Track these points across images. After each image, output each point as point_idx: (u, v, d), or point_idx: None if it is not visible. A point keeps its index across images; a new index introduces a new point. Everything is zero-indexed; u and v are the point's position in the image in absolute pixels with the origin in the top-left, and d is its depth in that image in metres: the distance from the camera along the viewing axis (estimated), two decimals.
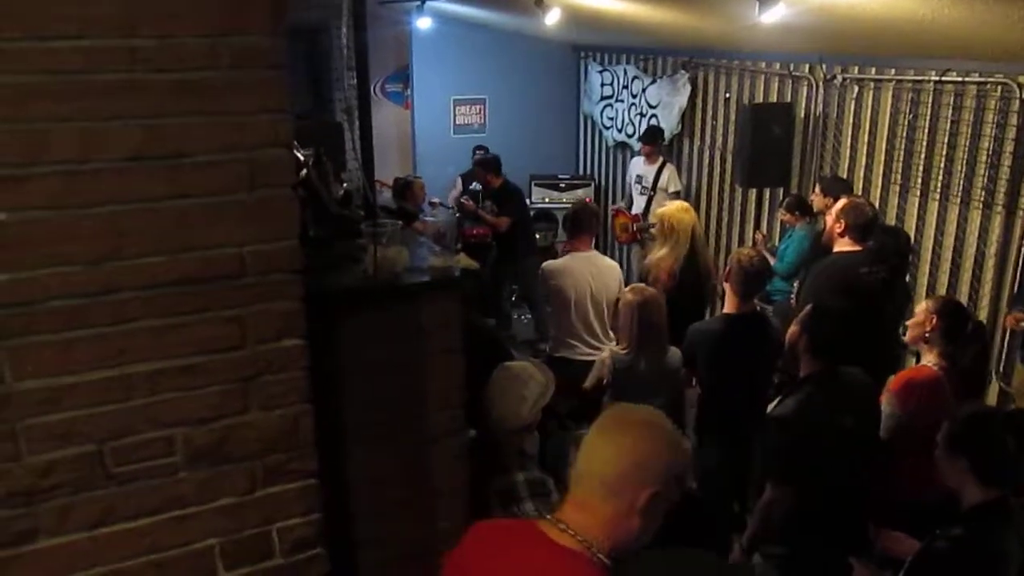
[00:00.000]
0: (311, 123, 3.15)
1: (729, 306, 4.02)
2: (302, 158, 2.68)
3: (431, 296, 2.19)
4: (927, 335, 3.39)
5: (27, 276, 1.53)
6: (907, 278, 4.96)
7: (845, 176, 6.02)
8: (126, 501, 1.68)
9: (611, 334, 4.79)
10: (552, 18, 5.91)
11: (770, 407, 3.29)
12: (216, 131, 1.62)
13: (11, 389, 1.56)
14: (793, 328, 3.27)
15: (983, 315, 5.05)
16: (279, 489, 1.84)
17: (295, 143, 2.83)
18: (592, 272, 4.79)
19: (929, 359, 3.41)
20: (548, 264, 4.91)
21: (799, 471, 3.04)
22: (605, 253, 8.97)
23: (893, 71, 5.68)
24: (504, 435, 2.71)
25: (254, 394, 1.77)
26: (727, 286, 4.03)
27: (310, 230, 2.38)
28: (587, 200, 9.00)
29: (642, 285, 4.04)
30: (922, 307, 3.51)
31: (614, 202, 9.15)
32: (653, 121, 8.09)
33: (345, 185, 2.71)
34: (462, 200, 7.59)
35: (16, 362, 1.56)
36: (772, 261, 5.29)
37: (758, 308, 4.15)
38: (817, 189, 5.57)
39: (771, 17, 3.98)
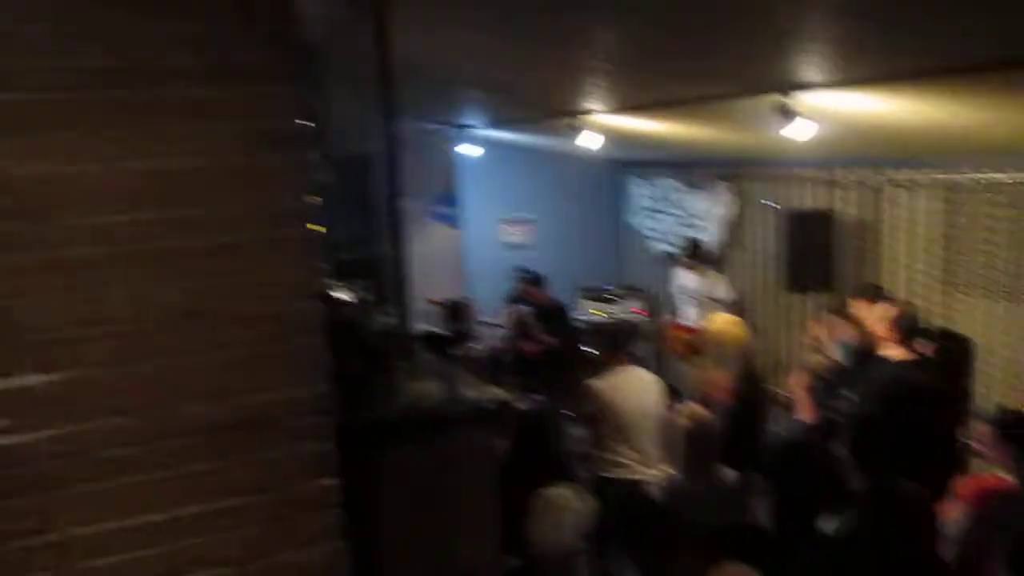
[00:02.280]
0: (359, 255, 3.31)
1: (804, 412, 4.11)
2: (345, 297, 2.84)
3: (466, 428, 2.27)
4: (992, 455, 3.32)
5: (83, 428, 1.66)
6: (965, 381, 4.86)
7: (888, 280, 6.01)
8: None
9: (658, 453, 4.70)
10: (586, 140, 6.15)
11: (820, 522, 3.24)
12: (254, 287, 1.77)
13: (66, 536, 1.67)
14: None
15: None
16: None
17: (339, 280, 3.00)
18: (638, 389, 4.73)
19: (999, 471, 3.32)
20: (593, 382, 4.84)
21: None
22: (660, 365, 9.03)
23: (928, 172, 5.73)
24: (545, 563, 2.72)
25: (292, 533, 1.85)
26: (799, 393, 4.12)
27: (351, 366, 2.51)
28: (638, 311, 9.08)
29: (697, 408, 4.02)
30: (979, 430, 3.44)
31: (663, 313, 9.19)
32: (697, 232, 8.21)
33: (387, 319, 2.84)
34: (521, 312, 7.68)
35: (69, 510, 1.67)
36: None
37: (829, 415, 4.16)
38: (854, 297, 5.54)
39: (794, 132, 4.11)
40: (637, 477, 4.55)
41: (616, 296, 9.22)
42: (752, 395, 4.96)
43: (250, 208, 1.74)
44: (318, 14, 2.90)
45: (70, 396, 1.64)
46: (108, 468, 1.68)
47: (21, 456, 1.61)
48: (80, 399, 1.65)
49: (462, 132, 8.35)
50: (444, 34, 3.57)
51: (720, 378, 4.94)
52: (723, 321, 5.25)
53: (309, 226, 1.84)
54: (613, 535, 3.88)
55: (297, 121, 1.81)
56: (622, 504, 4.04)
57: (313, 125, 3.36)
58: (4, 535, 1.62)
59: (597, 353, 4.95)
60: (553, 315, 7.45)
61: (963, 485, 3.42)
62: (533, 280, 7.67)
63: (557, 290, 7.87)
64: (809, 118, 4.02)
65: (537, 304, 7.60)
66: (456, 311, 6.91)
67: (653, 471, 4.64)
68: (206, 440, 1.76)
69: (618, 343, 4.95)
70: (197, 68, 1.66)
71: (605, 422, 4.68)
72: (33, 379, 1.61)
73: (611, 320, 5.58)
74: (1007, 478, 3.28)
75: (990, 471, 3.42)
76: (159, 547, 1.74)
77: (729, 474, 3.93)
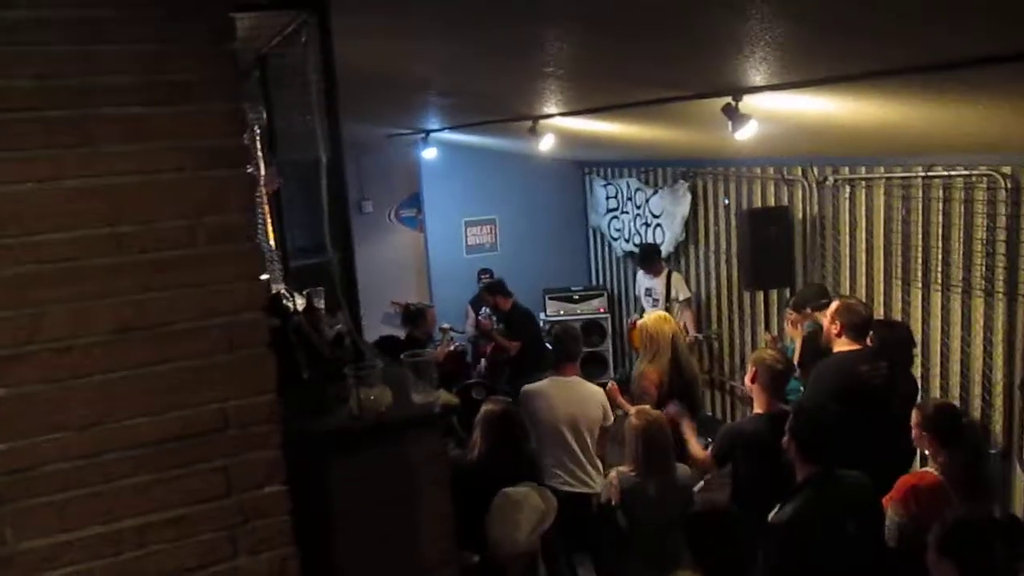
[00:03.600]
0: (313, 260, 3.32)
1: (761, 406, 4.16)
2: (296, 305, 2.85)
3: (414, 433, 2.30)
4: (925, 447, 3.43)
5: (25, 444, 1.68)
6: (912, 370, 4.98)
7: (847, 276, 6.13)
8: None
9: (597, 463, 4.75)
10: (547, 143, 6.20)
11: (771, 515, 3.31)
12: (197, 301, 1.79)
13: (14, 550, 1.68)
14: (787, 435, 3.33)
15: (998, 401, 5.06)
16: None
17: (289, 288, 3.02)
18: (571, 398, 4.71)
19: (932, 465, 3.43)
20: (526, 388, 4.82)
21: None
22: (624, 364, 9.12)
23: (881, 169, 5.87)
24: (503, 561, 2.76)
25: (241, 540, 1.87)
26: (755, 387, 4.19)
27: (303, 373, 2.53)
28: (602, 310, 9.17)
29: (647, 408, 4.07)
30: (913, 418, 3.55)
31: (626, 311, 9.30)
32: (658, 231, 8.31)
33: (339, 326, 2.86)
34: (480, 318, 7.75)
35: (17, 524, 1.69)
36: None
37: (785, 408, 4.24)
38: (791, 306, 5.62)
39: (745, 134, 4.18)
40: (569, 489, 4.56)
41: (580, 296, 9.31)
42: (683, 388, 5.03)
43: (190, 224, 1.76)
44: (265, 22, 2.92)
45: (12, 413, 1.65)
46: (51, 483, 1.70)
47: None
48: (22, 415, 1.66)
49: (423, 136, 8.38)
50: (396, 40, 3.60)
51: (650, 372, 5.01)
52: (653, 318, 5.34)
53: (254, 238, 1.87)
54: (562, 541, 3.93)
55: (237, 136, 1.83)
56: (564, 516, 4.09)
57: (263, 135, 3.38)
58: None
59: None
60: (516, 319, 7.51)
61: (899, 482, 3.52)
62: (495, 285, 7.72)
63: (522, 291, 7.93)
64: (759, 119, 4.11)
65: (499, 310, 7.66)
66: (417, 318, 6.92)
67: (589, 481, 4.68)
68: (152, 452, 1.78)
69: (560, 353, 4.94)
70: (133, 86, 1.67)
71: (537, 430, 4.65)
72: None
73: (558, 326, 5.57)
74: (932, 472, 3.39)
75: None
76: (108, 559, 1.76)
77: (684, 472, 4.00)
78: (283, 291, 2.84)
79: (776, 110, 4.19)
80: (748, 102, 4.02)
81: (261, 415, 1.87)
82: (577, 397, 4.74)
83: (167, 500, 1.80)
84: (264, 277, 1.85)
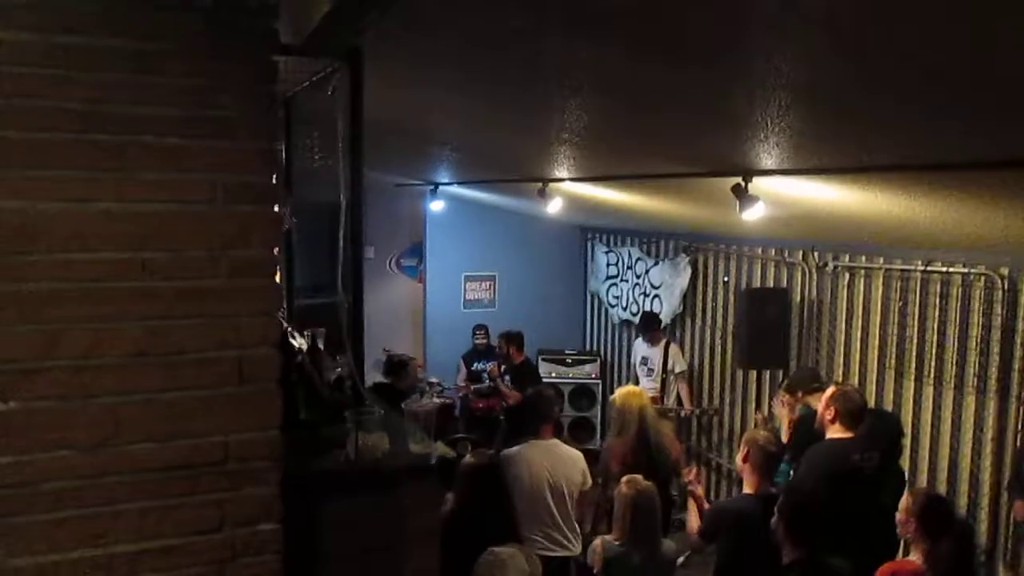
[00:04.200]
0: (318, 301, 3.34)
1: (750, 486, 4.13)
2: (300, 344, 2.87)
3: (409, 481, 2.30)
4: (909, 534, 3.42)
5: (28, 460, 1.68)
6: (900, 462, 4.98)
7: (841, 361, 6.16)
8: None
9: (576, 526, 4.69)
10: (555, 206, 6.29)
11: None
12: (213, 332, 1.81)
13: (3, 566, 1.67)
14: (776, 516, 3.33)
15: (985, 500, 5.05)
16: None
17: (294, 326, 3.03)
18: (550, 461, 4.67)
19: (915, 554, 3.42)
20: (505, 452, 4.79)
21: None
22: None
23: (881, 260, 5.94)
24: None
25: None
26: (746, 467, 4.17)
27: (301, 413, 2.53)
28: (594, 376, 9.17)
29: (638, 477, 4.04)
30: (903, 504, 3.55)
31: (619, 378, 9.29)
32: (656, 302, 8.37)
33: (339, 369, 2.87)
34: (487, 367, 7.75)
35: (10, 540, 1.68)
36: None
37: (773, 490, 4.22)
38: (783, 388, 5.59)
39: (752, 215, 4.25)
40: (548, 553, 4.48)
41: (574, 359, 9.32)
42: (649, 462, 4.87)
43: (215, 256, 1.79)
44: (299, 66, 2.99)
45: (20, 427, 1.66)
46: (50, 501, 1.69)
47: None
48: (28, 430, 1.67)
49: (432, 188, 8.48)
50: (419, 91, 3.69)
51: (615, 446, 4.97)
52: (622, 392, 5.29)
53: (274, 275, 1.90)
54: None
55: (269, 174, 1.87)
56: None
57: (280, 174, 3.43)
58: None
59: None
60: (524, 374, 7.54)
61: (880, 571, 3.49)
62: (515, 336, 7.82)
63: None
64: (767, 201, 4.18)
65: (509, 360, 7.70)
66: (399, 369, 6.83)
67: (568, 545, 4.63)
68: (152, 478, 1.78)
69: (534, 416, 4.89)
70: (176, 118, 1.72)
71: (516, 494, 4.51)
72: None
73: (531, 391, 5.58)
74: (913, 561, 3.38)
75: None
76: None
77: (669, 545, 3.97)
78: (290, 329, 2.85)
79: (784, 194, 4.28)
80: (758, 184, 4.10)
81: (263, 451, 1.88)
82: (557, 460, 4.70)
83: (161, 529, 1.80)
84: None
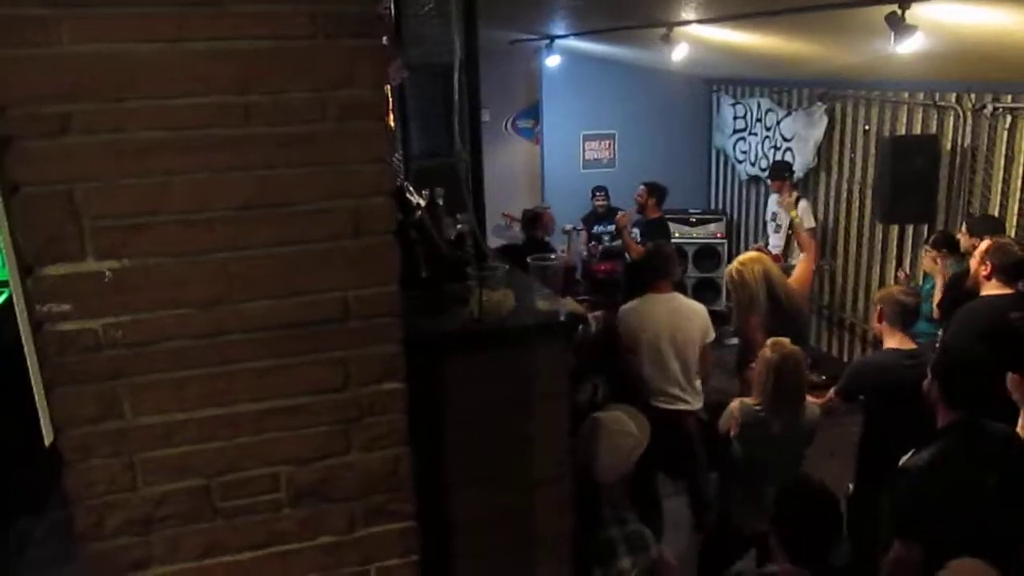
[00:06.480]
0: (435, 163, 3.23)
1: (893, 342, 3.95)
2: (418, 200, 2.75)
3: (536, 340, 2.18)
4: None
5: (146, 318, 1.62)
6: None
7: (997, 214, 5.64)
8: (231, 535, 1.75)
9: (697, 382, 4.59)
10: (679, 53, 5.86)
11: (903, 459, 3.09)
12: (323, 181, 1.68)
13: (130, 424, 1.65)
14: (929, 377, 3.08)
15: None
16: (378, 530, 1.86)
17: (411, 185, 2.92)
18: (668, 315, 4.53)
19: None
20: (623, 307, 4.65)
21: (928, 530, 2.83)
22: None
23: None
24: (597, 488, 2.65)
25: (355, 436, 1.80)
26: (882, 325, 4.00)
27: (422, 271, 2.43)
28: (720, 235, 8.84)
29: (783, 340, 3.80)
30: None
31: (746, 237, 8.93)
32: (788, 155, 7.87)
33: (459, 227, 2.74)
34: (620, 213, 7.50)
35: (136, 398, 1.65)
36: None
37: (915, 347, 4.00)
38: (964, 228, 5.21)
39: (908, 47, 3.80)
40: (667, 406, 4.45)
41: (698, 219, 8.99)
42: (786, 322, 4.64)
43: (322, 96, 1.64)
44: None
45: (132, 285, 1.59)
46: (170, 360, 1.64)
47: (83, 343, 1.58)
48: (142, 289, 1.60)
49: (548, 44, 8.09)
50: None
51: (753, 320, 4.73)
52: (741, 260, 4.97)
53: (384, 118, 1.74)
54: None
55: (372, 5, 1.68)
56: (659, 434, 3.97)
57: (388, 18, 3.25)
58: (66, 421, 1.61)
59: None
60: (655, 230, 7.27)
61: None
62: (659, 189, 7.48)
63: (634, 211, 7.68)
64: (926, 32, 3.72)
65: (645, 215, 7.46)
66: (535, 221, 6.78)
67: (688, 399, 4.55)
68: (272, 337, 1.71)
69: (657, 266, 4.72)
70: None
71: (637, 348, 4.51)
72: (95, 265, 1.57)
73: (650, 245, 5.39)
74: None
75: None
76: (221, 441, 1.71)
77: (812, 411, 3.77)
78: (407, 184, 2.73)
79: (947, 22, 3.78)
80: (916, 11, 3.63)
81: (383, 307, 1.77)
82: (676, 314, 4.56)
83: (284, 388, 1.74)
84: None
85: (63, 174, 1.53)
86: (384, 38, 1.71)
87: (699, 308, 4.67)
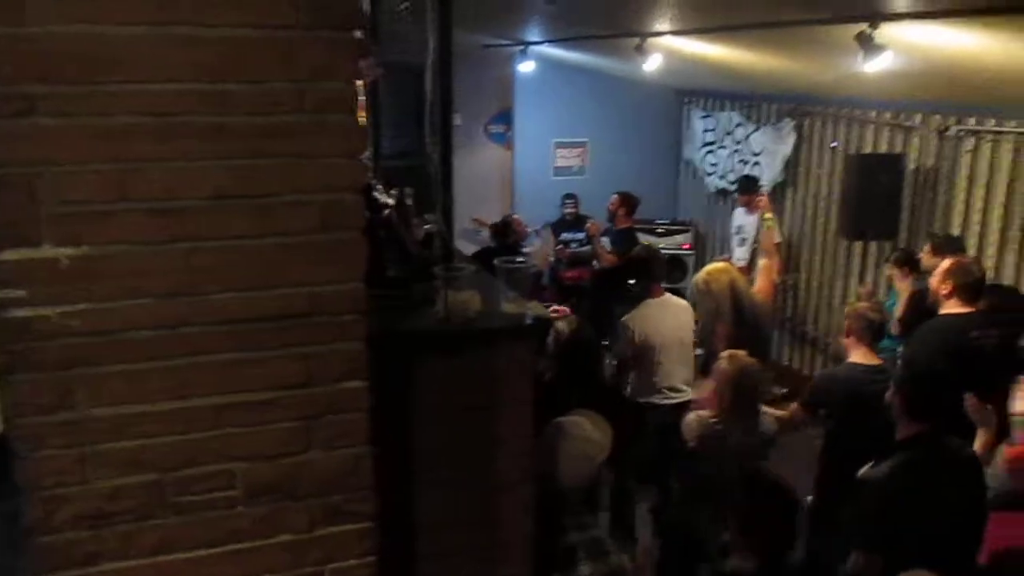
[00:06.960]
0: (404, 163, 3.22)
1: (859, 357, 4.01)
2: (386, 199, 2.72)
3: (502, 342, 2.17)
4: None
5: (106, 307, 1.58)
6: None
7: (958, 233, 5.74)
8: (185, 531, 1.71)
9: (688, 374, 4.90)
10: (652, 64, 5.90)
11: (862, 470, 3.12)
12: (296, 173, 1.65)
13: (83, 415, 1.61)
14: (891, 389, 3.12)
15: None
16: (337, 530, 1.83)
17: (381, 183, 2.89)
18: (669, 317, 4.84)
19: None
20: (626, 317, 4.87)
21: (887, 540, 2.86)
22: None
23: (1014, 123, 5.41)
24: (558, 494, 2.64)
25: (316, 433, 1.77)
26: (849, 340, 4.06)
27: (388, 270, 2.40)
28: (687, 247, 8.89)
29: (740, 352, 3.88)
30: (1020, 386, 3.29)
31: (713, 249, 8.99)
32: (756, 169, 7.94)
33: (428, 227, 2.73)
34: (590, 222, 7.54)
35: (91, 389, 1.61)
36: None
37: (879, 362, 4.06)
38: (927, 247, 5.29)
39: (877, 66, 3.86)
40: (675, 400, 4.75)
41: (665, 229, 9.03)
42: (748, 335, 4.82)
43: (300, 87, 1.61)
44: None
45: (94, 273, 1.56)
46: (129, 351, 1.61)
47: (39, 330, 1.54)
48: (104, 277, 1.57)
49: (523, 50, 8.09)
50: None
51: (720, 330, 4.90)
52: (707, 270, 5.20)
53: (356, 113, 1.72)
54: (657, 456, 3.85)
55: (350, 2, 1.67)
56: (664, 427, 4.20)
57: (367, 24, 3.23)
58: (19, 410, 1.56)
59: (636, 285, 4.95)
60: (624, 240, 7.29)
61: (1012, 449, 3.28)
62: (631, 200, 7.52)
63: (605, 217, 7.68)
64: (896, 51, 3.77)
65: (615, 221, 7.48)
66: (506, 230, 6.81)
67: (690, 389, 4.88)
68: (234, 330, 1.68)
69: (652, 271, 4.97)
70: None
71: (643, 352, 4.74)
72: (51, 251, 1.52)
73: (642, 247, 5.59)
74: None
75: None
76: (177, 436, 1.68)
77: (767, 423, 3.81)
78: (376, 184, 2.71)
79: (916, 43, 3.84)
80: (885, 31, 3.69)
81: (348, 304, 1.75)
82: (673, 315, 4.88)
83: (246, 382, 1.70)
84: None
85: (26, 157, 1.49)
86: (359, 32, 1.69)
87: (686, 304, 5.02)
